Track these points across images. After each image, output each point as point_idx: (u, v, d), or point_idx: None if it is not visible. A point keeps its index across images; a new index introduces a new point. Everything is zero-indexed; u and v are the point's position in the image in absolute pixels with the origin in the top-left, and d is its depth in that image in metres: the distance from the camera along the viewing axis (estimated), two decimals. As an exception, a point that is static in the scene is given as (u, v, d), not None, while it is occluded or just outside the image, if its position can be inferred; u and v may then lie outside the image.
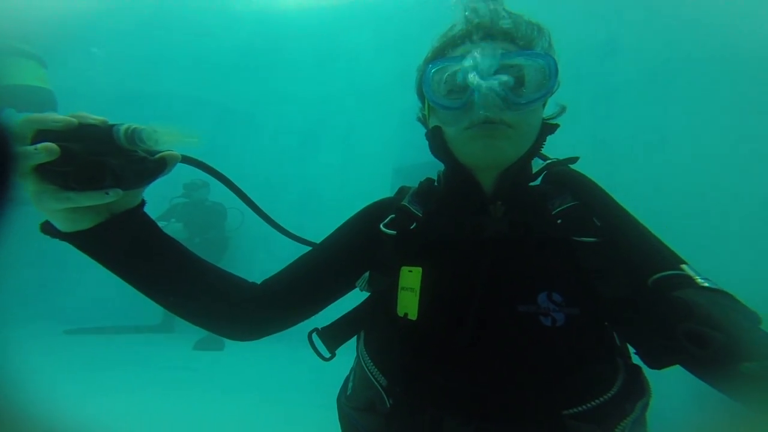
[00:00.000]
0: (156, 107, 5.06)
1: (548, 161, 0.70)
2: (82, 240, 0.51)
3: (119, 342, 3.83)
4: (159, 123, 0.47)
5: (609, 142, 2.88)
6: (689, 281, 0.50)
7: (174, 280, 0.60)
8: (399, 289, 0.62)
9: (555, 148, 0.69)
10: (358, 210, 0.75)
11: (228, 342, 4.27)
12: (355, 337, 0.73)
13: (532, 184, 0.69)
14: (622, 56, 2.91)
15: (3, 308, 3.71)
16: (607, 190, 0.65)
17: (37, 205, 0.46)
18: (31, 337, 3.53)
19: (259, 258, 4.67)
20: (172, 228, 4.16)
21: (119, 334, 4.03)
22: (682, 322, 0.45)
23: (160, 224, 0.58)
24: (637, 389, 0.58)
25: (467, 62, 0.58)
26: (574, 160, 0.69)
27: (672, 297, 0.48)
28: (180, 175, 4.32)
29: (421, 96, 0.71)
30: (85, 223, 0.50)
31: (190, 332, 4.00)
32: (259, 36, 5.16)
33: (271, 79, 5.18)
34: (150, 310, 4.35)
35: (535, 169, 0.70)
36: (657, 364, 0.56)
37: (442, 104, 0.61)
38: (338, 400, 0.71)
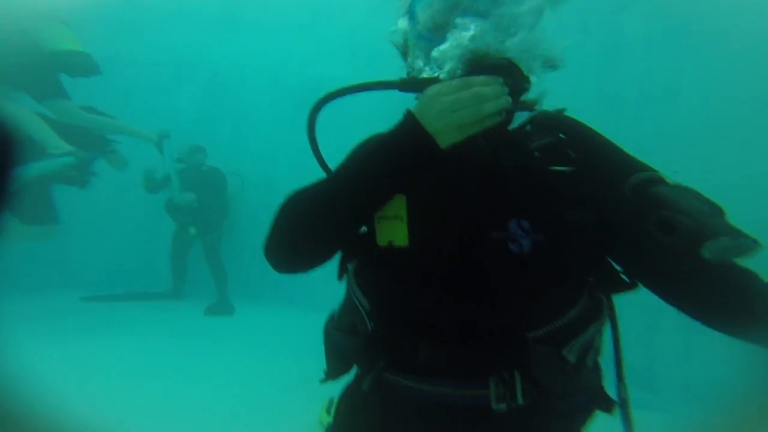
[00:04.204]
0: (141, 74, 4.86)
1: (534, 112, 0.70)
2: (434, 153, 0.55)
3: (133, 308, 3.98)
4: None
5: (616, 98, 2.78)
6: (661, 181, 0.52)
7: (375, 208, 0.62)
8: (377, 219, 0.63)
9: (561, 102, 0.67)
10: (360, 141, 0.75)
11: (237, 308, 4.40)
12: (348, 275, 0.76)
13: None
14: (631, 8, 2.73)
15: (22, 277, 3.83)
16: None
17: (482, 120, 0.53)
18: (49, 303, 3.68)
19: (260, 222, 4.70)
20: (185, 198, 4.11)
21: (132, 300, 4.19)
22: (653, 213, 0.48)
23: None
24: (594, 315, 0.62)
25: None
26: (561, 111, 0.68)
27: (646, 192, 0.51)
28: (177, 140, 4.16)
29: (405, 36, 0.70)
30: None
31: (199, 298, 4.17)
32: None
33: (260, 39, 4.92)
34: (160, 277, 4.48)
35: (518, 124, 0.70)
36: (609, 290, 0.63)
37: (425, 38, 0.61)
38: (325, 323, 0.75)
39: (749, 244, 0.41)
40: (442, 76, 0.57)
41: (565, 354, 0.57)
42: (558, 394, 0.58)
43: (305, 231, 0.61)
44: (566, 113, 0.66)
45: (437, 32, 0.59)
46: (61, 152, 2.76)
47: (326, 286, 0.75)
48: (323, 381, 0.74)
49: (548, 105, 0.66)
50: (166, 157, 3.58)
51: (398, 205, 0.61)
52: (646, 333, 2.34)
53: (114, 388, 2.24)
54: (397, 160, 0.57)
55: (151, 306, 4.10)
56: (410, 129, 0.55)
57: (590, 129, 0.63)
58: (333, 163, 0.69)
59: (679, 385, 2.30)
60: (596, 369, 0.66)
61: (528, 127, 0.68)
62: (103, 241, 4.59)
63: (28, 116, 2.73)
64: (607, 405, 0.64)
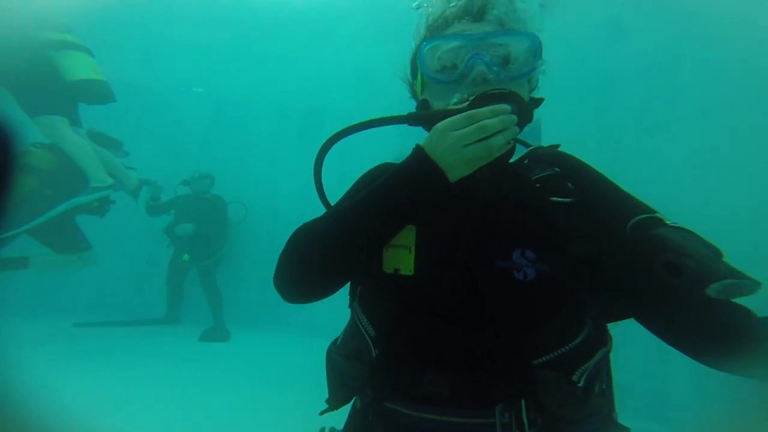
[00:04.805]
0: (150, 100, 5.01)
1: (531, 147, 0.73)
2: (445, 187, 0.57)
3: (127, 334, 3.89)
4: None
5: (613, 128, 2.84)
6: (661, 222, 0.54)
7: (384, 241, 0.63)
8: (385, 247, 0.64)
9: (558, 131, 0.69)
10: (364, 172, 0.78)
11: (233, 333, 4.30)
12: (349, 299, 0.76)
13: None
14: (626, 38, 2.84)
15: (14, 302, 3.77)
16: (611, 174, 0.66)
17: (491, 153, 0.55)
18: (42, 329, 3.60)
19: (262, 249, 4.70)
20: (183, 229, 4.13)
21: (126, 326, 4.09)
22: (658, 255, 0.50)
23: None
24: (599, 341, 0.63)
25: (456, 42, 0.63)
26: (555, 147, 0.72)
27: (648, 234, 0.53)
28: (184, 166, 4.22)
29: (414, 71, 0.73)
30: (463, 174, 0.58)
31: (195, 324, 4.08)
32: (254, 24, 5.07)
33: (267, 69, 5.11)
34: (156, 302, 4.41)
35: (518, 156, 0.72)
36: (608, 318, 0.64)
37: (434, 78, 0.65)
38: (328, 349, 0.74)
39: (751, 285, 0.45)
40: (452, 103, 0.61)
41: (574, 379, 0.57)
42: (568, 420, 0.57)
43: (316, 263, 0.62)
44: (560, 149, 0.69)
45: (445, 72, 0.64)
46: (103, 186, 2.82)
47: (322, 312, 0.74)
48: (323, 412, 0.72)
49: (547, 133, 0.69)
50: (140, 205, 3.71)
51: (407, 236, 0.63)
52: (658, 363, 2.27)
53: (106, 414, 2.16)
54: (409, 195, 0.58)
55: (145, 331, 4.01)
56: (422, 164, 0.57)
57: (585, 164, 0.66)
58: (334, 196, 0.70)
59: (691, 415, 2.21)
60: (604, 395, 0.65)
61: (525, 161, 0.71)
62: (97, 266, 4.57)
63: (79, 144, 2.81)
64: None
